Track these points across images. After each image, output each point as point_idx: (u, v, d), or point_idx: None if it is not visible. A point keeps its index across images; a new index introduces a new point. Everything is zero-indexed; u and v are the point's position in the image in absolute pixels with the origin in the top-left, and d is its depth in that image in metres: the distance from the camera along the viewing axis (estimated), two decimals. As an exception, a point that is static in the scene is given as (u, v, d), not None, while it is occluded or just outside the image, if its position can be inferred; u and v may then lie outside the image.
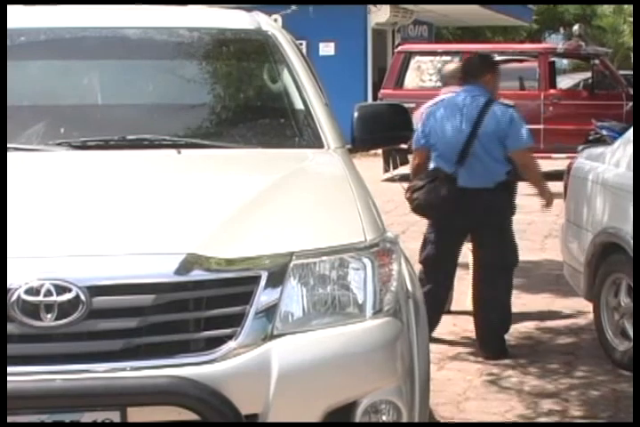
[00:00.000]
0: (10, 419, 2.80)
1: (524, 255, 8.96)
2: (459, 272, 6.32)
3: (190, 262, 2.95)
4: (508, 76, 15.71)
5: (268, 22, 4.69)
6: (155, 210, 3.28)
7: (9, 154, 3.80)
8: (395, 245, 3.36)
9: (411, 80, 16.21)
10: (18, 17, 4.66)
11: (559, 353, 6.03)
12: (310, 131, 4.14)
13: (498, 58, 15.63)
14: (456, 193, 5.82)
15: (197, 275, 2.95)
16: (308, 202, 3.45)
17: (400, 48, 17.25)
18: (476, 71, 5.99)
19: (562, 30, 36.75)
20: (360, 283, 3.16)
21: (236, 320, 2.96)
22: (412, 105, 13.94)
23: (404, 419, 3.16)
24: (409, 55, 16.34)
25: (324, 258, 3.12)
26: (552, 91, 15.72)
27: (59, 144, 3.90)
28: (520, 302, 7.04)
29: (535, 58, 15.93)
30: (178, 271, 2.93)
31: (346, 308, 3.14)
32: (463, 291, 6.82)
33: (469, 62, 6.25)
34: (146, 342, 2.90)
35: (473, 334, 6.15)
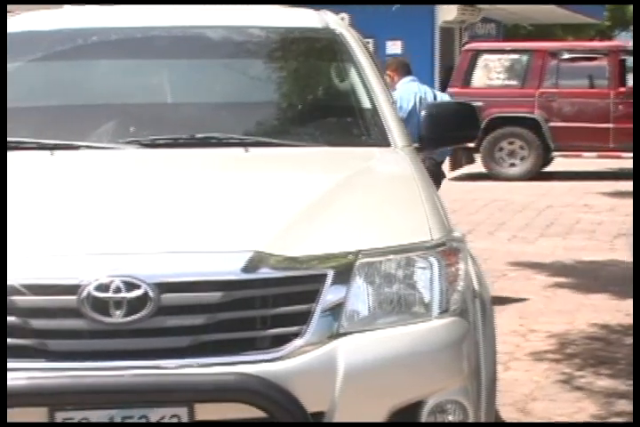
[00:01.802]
0: (80, 414, 2.84)
1: (593, 255, 8.89)
2: (526, 272, 6.28)
3: (257, 260, 2.96)
4: (578, 74, 15.61)
5: (335, 21, 4.69)
6: (222, 208, 3.30)
7: (80, 152, 3.86)
8: (461, 245, 3.35)
9: (478, 78, 16.11)
10: (89, 17, 4.72)
11: (629, 353, 5.96)
12: (377, 129, 4.13)
13: (568, 56, 15.56)
14: None
15: (264, 273, 2.96)
16: (374, 201, 3.45)
17: (467, 46, 17.15)
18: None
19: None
20: (426, 282, 3.14)
21: (303, 318, 2.97)
22: (480, 103, 13.94)
23: (470, 419, 3.14)
24: (476, 53, 16.24)
25: (391, 257, 3.11)
26: (622, 89, 15.51)
27: (129, 142, 3.94)
28: (589, 302, 6.98)
29: (605, 56, 15.74)
30: (245, 269, 2.95)
31: (412, 307, 3.13)
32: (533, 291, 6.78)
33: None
34: (213, 339, 2.92)
35: (540, 334, 6.10)
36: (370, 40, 18.07)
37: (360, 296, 3.05)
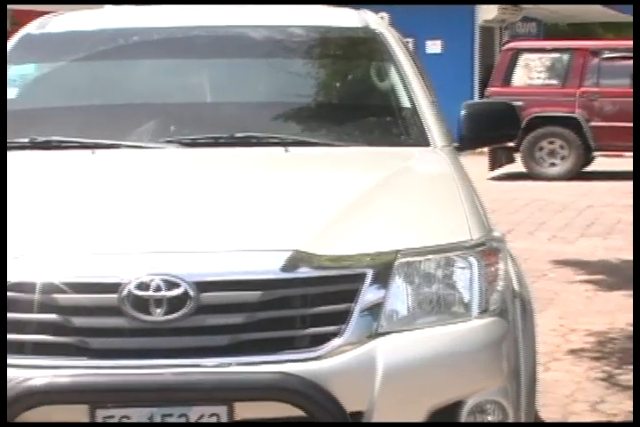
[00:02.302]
0: (120, 412, 2.86)
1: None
2: (566, 272, 6.24)
3: (296, 260, 2.97)
4: (619, 73, 15.48)
5: (375, 20, 4.69)
6: (262, 207, 3.31)
7: (121, 151, 3.89)
8: (501, 244, 3.33)
9: (518, 78, 16.04)
10: (130, 16, 4.76)
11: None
12: (417, 129, 4.13)
13: (609, 55, 15.44)
14: None
15: (303, 272, 2.97)
16: (413, 200, 3.45)
17: (508, 46, 17.07)
18: None
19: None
20: (466, 282, 3.14)
21: (342, 318, 2.97)
22: (520, 103, 13.87)
23: (510, 419, 3.13)
24: (517, 53, 16.16)
25: (430, 257, 3.11)
26: (664, 88, 15.37)
27: (169, 142, 3.96)
28: (629, 302, 6.92)
29: (647, 55, 15.59)
30: (284, 268, 2.95)
31: (451, 307, 3.12)
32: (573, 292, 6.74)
33: None
34: (252, 337, 2.92)
35: (580, 334, 6.07)
36: (410, 39, 18.05)
37: (399, 296, 3.05)
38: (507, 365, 3.15)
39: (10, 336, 2.90)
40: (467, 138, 4.19)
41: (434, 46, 20.96)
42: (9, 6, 14.33)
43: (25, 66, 4.49)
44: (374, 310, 2.99)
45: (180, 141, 3.95)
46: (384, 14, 16.02)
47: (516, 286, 3.49)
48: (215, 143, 3.95)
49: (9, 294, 2.90)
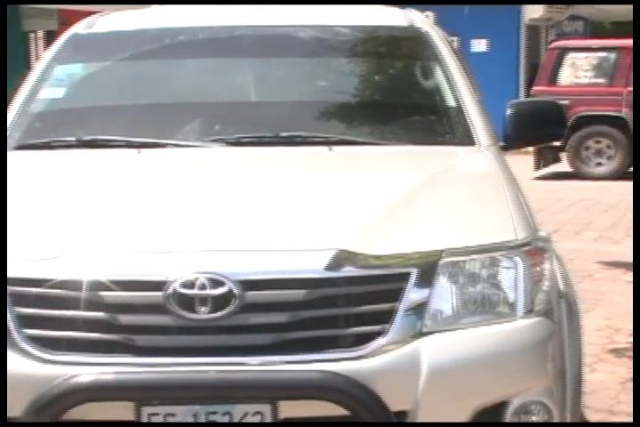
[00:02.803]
0: (165, 409, 2.88)
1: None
2: (613, 272, 6.19)
3: (341, 259, 2.97)
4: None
5: (421, 19, 4.68)
6: (306, 206, 3.32)
7: (167, 150, 3.91)
8: (547, 244, 3.31)
9: (565, 77, 15.92)
10: (176, 16, 4.78)
11: None
12: (462, 128, 4.12)
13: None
14: None
15: (348, 271, 2.97)
16: (458, 200, 3.43)
17: (554, 44, 16.95)
18: None
19: None
20: (511, 282, 3.12)
21: (386, 317, 2.96)
22: (566, 102, 13.77)
23: (555, 420, 3.11)
24: (563, 51, 16.04)
25: (475, 256, 3.09)
26: None
27: (214, 141, 3.98)
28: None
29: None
30: (328, 267, 2.95)
31: (496, 307, 3.11)
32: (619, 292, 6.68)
33: None
34: (296, 336, 2.93)
35: (626, 334, 6.01)
36: (455, 38, 18.00)
37: (444, 295, 3.04)
38: (552, 365, 3.13)
39: (56, 333, 2.93)
40: (512, 137, 4.17)
41: (479, 45, 20.86)
42: (56, 6, 14.47)
43: (72, 65, 4.52)
44: (418, 309, 2.99)
45: (225, 140, 3.97)
46: (429, 13, 15.98)
47: (561, 287, 3.47)
48: (260, 142, 3.97)
49: (55, 291, 2.93)
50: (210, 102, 4.34)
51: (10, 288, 2.96)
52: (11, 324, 2.93)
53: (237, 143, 3.95)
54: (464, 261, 3.08)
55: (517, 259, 3.13)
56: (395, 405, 2.91)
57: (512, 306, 3.10)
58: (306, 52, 4.50)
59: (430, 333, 3.00)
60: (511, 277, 3.12)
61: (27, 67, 13.78)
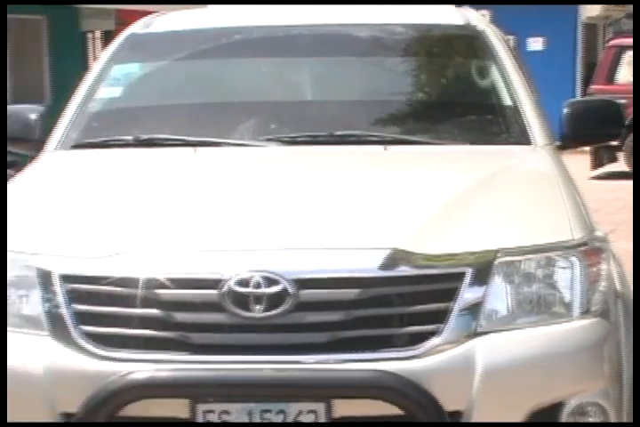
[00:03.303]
0: (220, 407, 2.89)
1: None
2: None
3: (395, 258, 2.97)
4: None
5: (476, 17, 4.66)
6: (360, 205, 3.32)
7: (222, 149, 3.93)
8: (604, 244, 3.29)
9: (622, 76, 15.74)
10: (232, 16, 4.81)
11: None
12: (518, 127, 4.09)
13: None
14: None
15: (402, 270, 2.97)
16: (514, 199, 3.42)
17: (611, 42, 16.76)
18: None
19: None
20: (567, 282, 3.10)
21: (440, 317, 2.96)
22: (624, 101, 13.58)
23: (612, 421, 3.09)
24: (620, 50, 15.86)
25: (530, 256, 3.08)
26: None
27: (269, 139, 3.99)
28: None
29: None
30: (383, 266, 2.95)
31: (552, 307, 3.09)
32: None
33: None
34: (350, 335, 2.93)
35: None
36: (511, 37, 17.89)
37: (499, 295, 3.03)
38: (608, 367, 3.11)
39: (113, 330, 2.96)
40: (569, 136, 4.14)
41: (535, 44, 20.71)
42: (113, 6, 14.60)
43: (129, 65, 4.56)
44: (473, 309, 2.98)
45: (280, 139, 3.98)
46: (485, 12, 15.90)
47: (618, 287, 3.43)
48: (315, 141, 3.97)
49: (112, 288, 2.96)
50: (265, 101, 4.36)
51: (68, 285, 2.99)
52: (68, 321, 2.97)
53: (292, 142, 3.96)
54: (519, 261, 3.06)
55: (574, 259, 3.10)
56: (449, 405, 2.90)
57: (568, 306, 3.08)
58: (361, 50, 4.49)
59: (485, 333, 2.98)
60: (567, 277, 3.10)
61: (84, 66, 13.93)
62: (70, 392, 2.91)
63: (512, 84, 4.23)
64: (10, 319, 3.06)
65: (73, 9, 14.23)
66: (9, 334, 3.02)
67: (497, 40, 4.47)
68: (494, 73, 4.32)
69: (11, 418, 2.99)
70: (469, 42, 4.50)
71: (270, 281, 2.91)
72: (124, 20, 12.28)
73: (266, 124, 4.16)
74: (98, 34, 17.02)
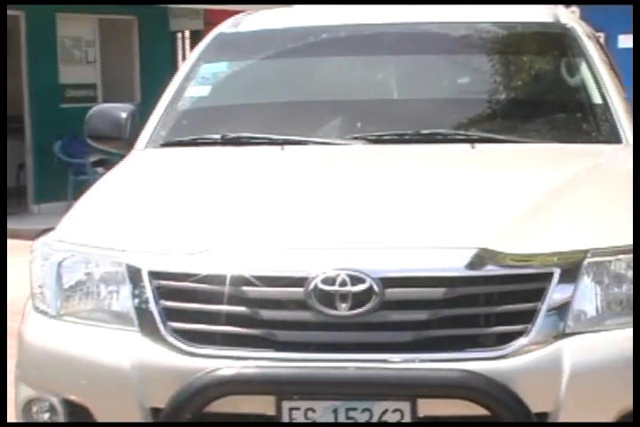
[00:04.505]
0: (305, 404, 2.90)
1: None
2: None
3: (482, 257, 2.95)
4: None
5: (566, 14, 4.61)
6: (447, 204, 3.30)
7: (309, 147, 3.94)
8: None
9: None
10: (318, 15, 4.82)
11: None
12: (608, 126, 4.03)
13: None
14: None
15: (489, 270, 2.94)
16: (603, 199, 3.37)
17: None
18: None
19: None
20: (658, 283, 3.05)
21: (528, 317, 2.93)
22: None
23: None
24: None
25: (620, 256, 3.03)
26: None
27: (355, 138, 3.99)
28: None
29: None
30: (469, 266, 2.93)
31: (642, 308, 3.04)
32: None
33: None
34: (436, 334, 2.92)
35: None
36: (601, 34, 17.61)
37: (587, 296, 2.99)
38: (701, 369, 3.04)
39: (200, 327, 2.99)
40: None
41: (626, 41, 20.37)
42: (200, 6, 14.73)
43: (217, 64, 4.60)
44: (561, 309, 2.95)
45: (366, 138, 3.97)
46: (575, 8, 15.68)
47: None
48: (401, 140, 3.96)
49: (200, 285, 2.99)
50: (351, 100, 4.36)
51: (157, 282, 3.03)
52: (157, 317, 3.00)
53: (378, 141, 3.95)
54: (609, 262, 3.03)
55: (665, 259, 3.05)
56: (536, 406, 2.87)
57: (658, 308, 3.03)
58: (448, 48, 4.47)
59: (573, 333, 2.95)
60: (658, 278, 3.05)
61: (173, 66, 14.07)
62: (158, 388, 2.94)
63: (602, 81, 4.17)
64: (100, 315, 3.11)
65: (163, 9, 14.38)
66: (99, 330, 3.07)
67: (586, 37, 4.41)
68: (584, 70, 4.27)
69: (100, 412, 3.03)
70: (558, 39, 4.45)
71: (356, 279, 2.91)
72: (212, 20, 12.37)
73: (352, 123, 4.17)
74: (187, 33, 17.19)
